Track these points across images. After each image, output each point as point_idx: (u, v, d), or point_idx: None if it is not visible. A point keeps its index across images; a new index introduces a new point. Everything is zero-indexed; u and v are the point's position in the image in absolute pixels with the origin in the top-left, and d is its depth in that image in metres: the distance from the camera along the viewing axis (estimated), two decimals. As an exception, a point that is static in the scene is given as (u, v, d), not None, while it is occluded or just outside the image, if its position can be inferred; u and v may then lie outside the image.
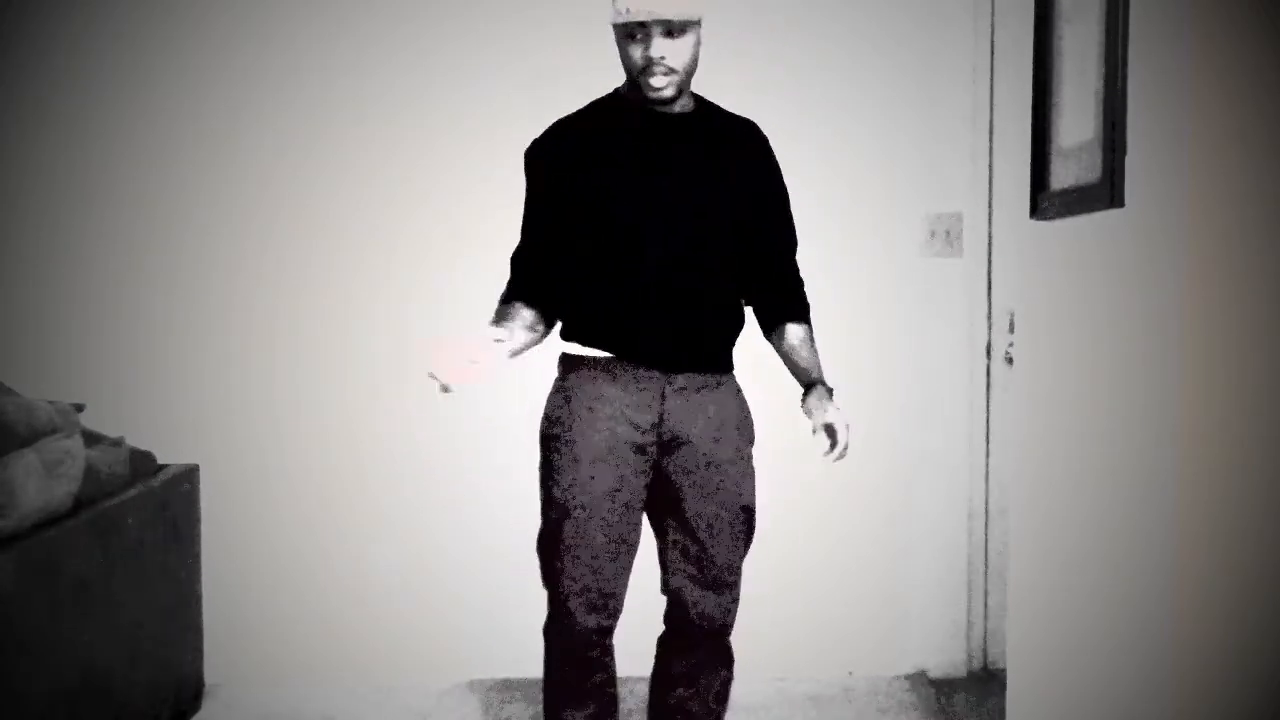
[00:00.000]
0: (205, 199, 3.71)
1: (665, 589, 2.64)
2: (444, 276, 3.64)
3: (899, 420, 3.74)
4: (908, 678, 3.74)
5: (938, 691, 3.64)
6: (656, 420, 2.53)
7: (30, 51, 3.67)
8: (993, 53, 3.65)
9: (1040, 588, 2.46)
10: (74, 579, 2.76)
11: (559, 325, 2.60)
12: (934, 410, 3.72)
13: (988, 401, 3.73)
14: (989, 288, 3.71)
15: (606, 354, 2.53)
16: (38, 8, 3.67)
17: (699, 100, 2.60)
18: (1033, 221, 2.47)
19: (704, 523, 2.57)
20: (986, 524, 3.75)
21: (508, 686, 3.62)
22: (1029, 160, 2.45)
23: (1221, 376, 1.77)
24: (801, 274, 2.76)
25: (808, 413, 2.62)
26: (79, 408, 3.19)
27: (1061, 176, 2.30)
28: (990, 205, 3.70)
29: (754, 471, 2.67)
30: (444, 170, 3.67)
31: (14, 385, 3.07)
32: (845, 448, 2.58)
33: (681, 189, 2.52)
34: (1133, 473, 1.96)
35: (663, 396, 2.53)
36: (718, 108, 2.64)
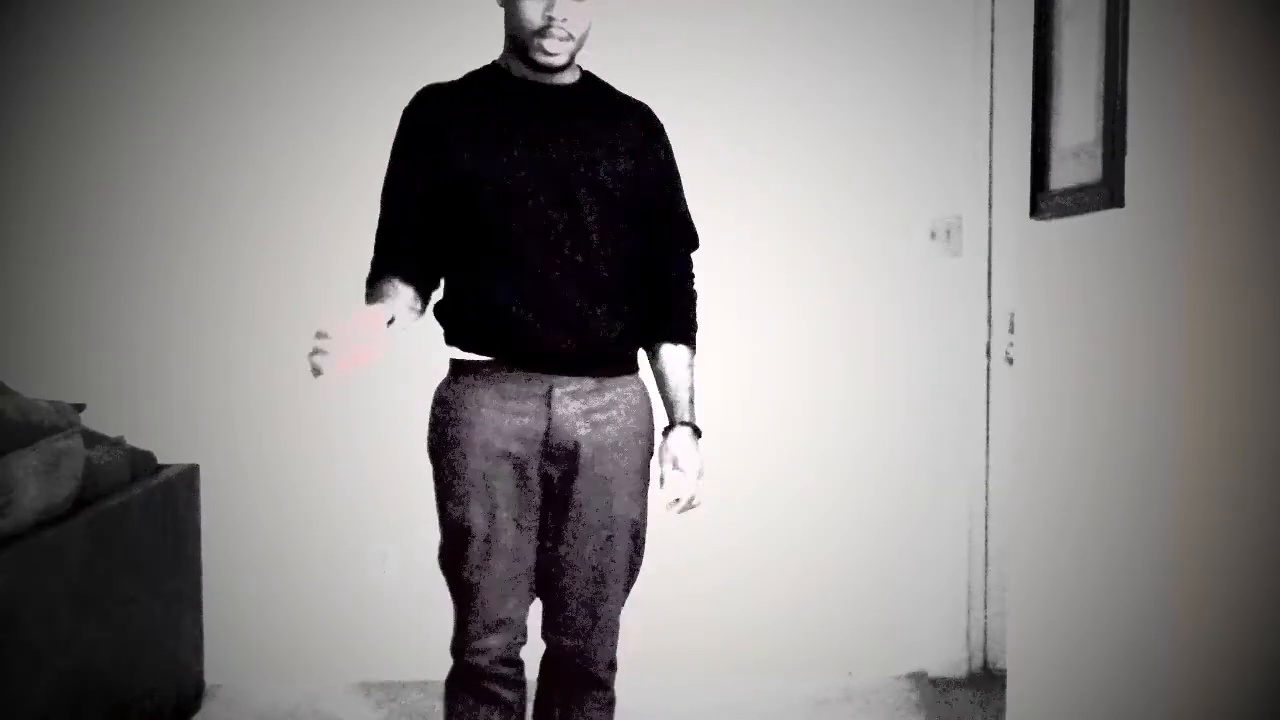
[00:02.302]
0: (205, 199, 3.71)
1: (545, 616, 2.41)
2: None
3: (899, 420, 3.74)
4: (908, 678, 3.74)
5: (938, 691, 3.64)
6: (544, 430, 2.29)
7: (30, 51, 3.67)
8: (993, 53, 3.65)
9: (1040, 588, 2.46)
10: (74, 579, 2.76)
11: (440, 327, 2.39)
12: (934, 410, 3.72)
13: (988, 401, 3.73)
14: (989, 288, 3.71)
15: (487, 358, 2.31)
16: (38, 7, 3.67)
17: (586, 75, 2.38)
18: (1033, 221, 2.47)
19: (585, 546, 2.33)
20: (986, 524, 3.75)
21: (508, 686, 3.63)
22: (1029, 160, 2.45)
23: (1221, 376, 1.77)
24: (694, 287, 2.48)
25: (659, 454, 2.38)
26: (79, 408, 3.19)
27: (1061, 177, 2.30)
28: (990, 205, 3.70)
29: (647, 487, 2.40)
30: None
31: (14, 385, 3.07)
32: (690, 500, 2.35)
33: (564, 166, 2.27)
34: (1132, 472, 1.96)
35: (549, 403, 2.29)
36: (608, 86, 2.41)
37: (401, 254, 2.32)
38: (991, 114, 3.67)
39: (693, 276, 2.48)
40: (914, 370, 3.73)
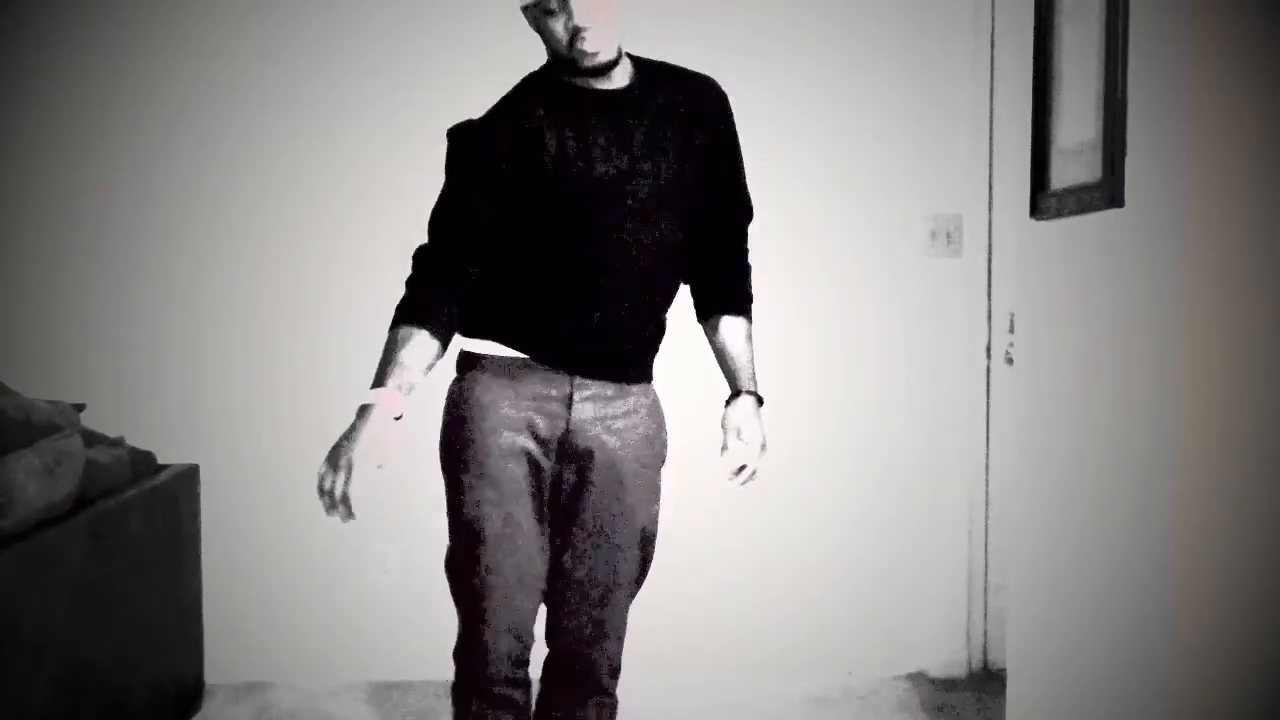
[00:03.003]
0: (205, 199, 3.71)
1: (549, 620, 2.40)
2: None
3: (899, 420, 3.74)
4: (908, 678, 3.74)
5: (938, 691, 3.64)
6: (562, 431, 2.28)
7: (30, 51, 3.67)
8: (993, 53, 3.65)
9: (1040, 588, 2.46)
10: (74, 579, 2.76)
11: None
12: (934, 410, 3.72)
13: (988, 401, 3.73)
14: (989, 288, 3.71)
15: (512, 353, 2.28)
16: (38, 7, 3.67)
17: (639, 68, 2.31)
18: (1033, 221, 2.47)
19: (595, 552, 2.32)
20: (986, 524, 3.75)
21: (508, 686, 3.63)
22: (1029, 160, 2.45)
23: (1221, 376, 1.77)
24: (750, 261, 2.48)
25: (723, 422, 2.37)
26: (79, 408, 3.19)
27: (1061, 176, 2.30)
28: (990, 205, 3.70)
29: (659, 495, 2.39)
30: (444, 170, 3.67)
31: (14, 385, 3.07)
32: (753, 472, 2.33)
33: (624, 175, 2.24)
34: (1132, 472, 1.96)
35: (569, 405, 2.28)
36: (662, 68, 2.35)
37: (439, 289, 2.23)
38: (991, 114, 3.67)
39: (748, 250, 2.47)
40: (914, 370, 3.73)
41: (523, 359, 2.28)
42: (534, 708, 2.44)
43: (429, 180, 3.68)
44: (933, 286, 3.71)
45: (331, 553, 3.74)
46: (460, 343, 2.33)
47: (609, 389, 2.31)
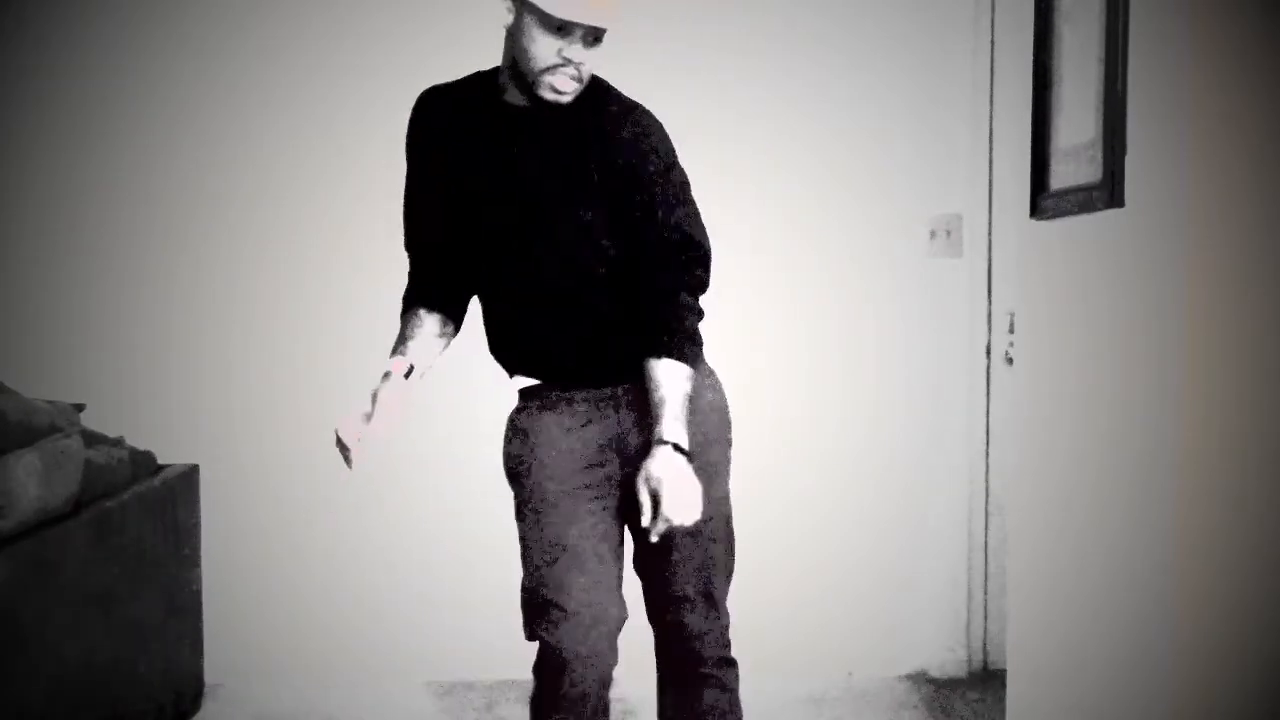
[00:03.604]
0: (205, 199, 3.71)
1: (654, 619, 2.38)
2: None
3: (899, 420, 3.74)
4: (908, 678, 3.74)
5: (938, 691, 3.64)
6: (619, 437, 2.28)
7: (30, 51, 3.67)
8: (993, 53, 3.65)
9: (1040, 588, 2.46)
10: (74, 579, 2.76)
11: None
12: (934, 410, 3.72)
13: (988, 401, 3.73)
14: (989, 288, 3.71)
15: (538, 382, 2.32)
16: (38, 7, 3.67)
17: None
18: (1033, 221, 2.47)
19: (680, 542, 2.27)
20: (986, 524, 3.75)
21: (508, 687, 3.62)
22: (1029, 160, 2.45)
23: (1221, 376, 1.77)
24: (685, 300, 2.26)
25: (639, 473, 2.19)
26: (79, 408, 3.19)
27: (1061, 176, 2.30)
28: (990, 205, 3.70)
29: (722, 474, 2.35)
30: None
31: (14, 385, 3.06)
32: (667, 522, 2.15)
33: (550, 197, 2.21)
34: (1132, 472, 1.96)
35: (616, 409, 2.28)
36: (600, 95, 2.25)
37: (423, 274, 2.36)
38: (991, 114, 3.67)
39: (692, 286, 2.27)
40: (914, 370, 3.73)
41: (547, 385, 2.32)
42: (658, 696, 2.45)
43: (429, 180, 3.70)
44: (933, 286, 3.70)
45: (331, 553, 3.74)
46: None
47: (628, 392, 2.27)
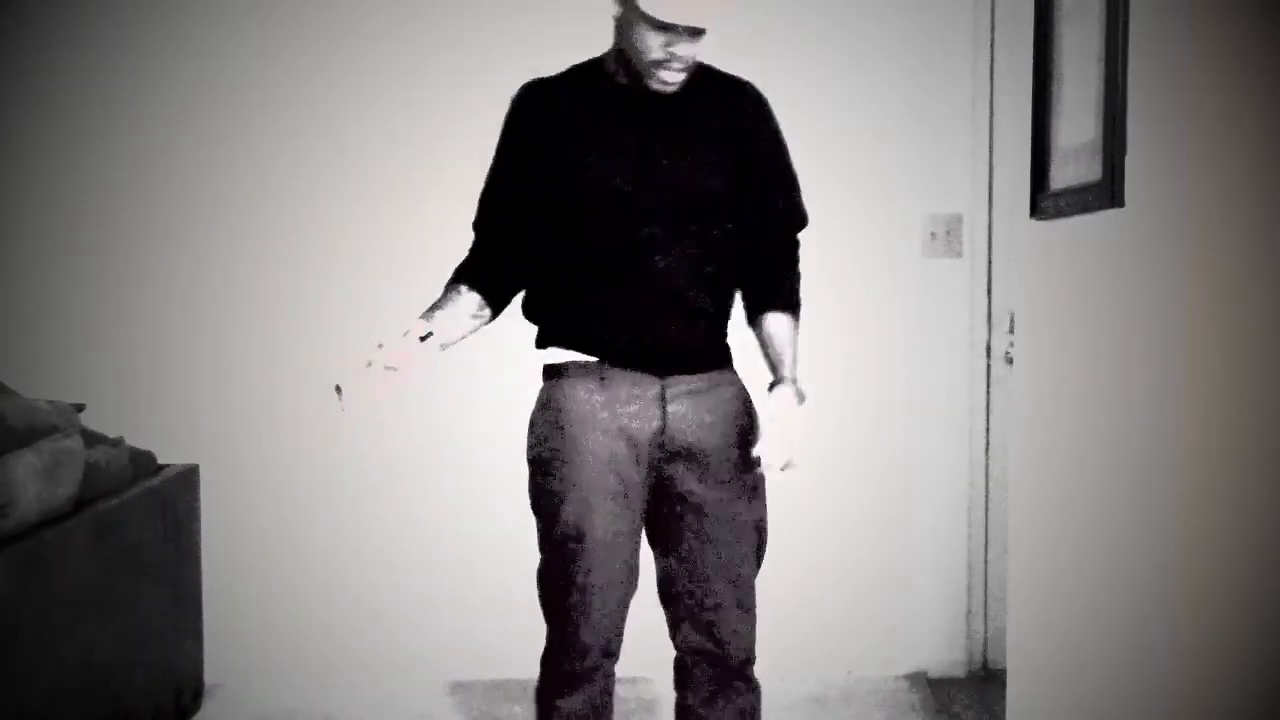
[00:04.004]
0: (205, 199, 3.71)
1: (674, 621, 2.39)
2: (447, 275, 3.63)
3: (899, 420, 3.74)
4: (908, 678, 3.74)
5: (937, 691, 3.64)
6: (659, 429, 2.29)
7: (30, 51, 3.67)
8: (993, 53, 3.66)
9: (1040, 588, 2.46)
10: (74, 579, 2.76)
11: (535, 329, 2.39)
12: (934, 410, 3.72)
13: (988, 401, 3.73)
14: (989, 288, 3.71)
15: (593, 359, 2.30)
16: (38, 7, 3.67)
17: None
18: (1033, 221, 2.47)
19: (715, 542, 2.32)
20: (986, 524, 3.75)
21: (508, 686, 3.62)
22: (1029, 160, 2.45)
23: (1221, 376, 1.77)
24: (799, 266, 2.49)
25: (762, 411, 2.30)
26: (79, 408, 3.19)
27: (1061, 176, 2.30)
28: (990, 205, 3.70)
29: (763, 481, 2.37)
30: (448, 169, 3.66)
31: (14, 385, 3.07)
32: (786, 463, 2.24)
33: (670, 174, 2.28)
34: (1132, 472, 1.96)
35: (663, 401, 2.29)
36: (710, 74, 2.37)
37: (483, 254, 2.38)
38: (991, 114, 3.67)
39: (798, 258, 2.49)
40: (914, 370, 3.73)
41: (606, 363, 2.30)
42: (675, 710, 2.45)
43: (429, 180, 3.71)
44: (933, 286, 3.71)
45: (331, 553, 3.74)
46: (540, 355, 2.37)
47: (699, 383, 2.32)
